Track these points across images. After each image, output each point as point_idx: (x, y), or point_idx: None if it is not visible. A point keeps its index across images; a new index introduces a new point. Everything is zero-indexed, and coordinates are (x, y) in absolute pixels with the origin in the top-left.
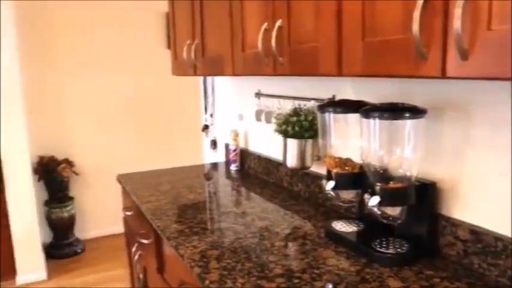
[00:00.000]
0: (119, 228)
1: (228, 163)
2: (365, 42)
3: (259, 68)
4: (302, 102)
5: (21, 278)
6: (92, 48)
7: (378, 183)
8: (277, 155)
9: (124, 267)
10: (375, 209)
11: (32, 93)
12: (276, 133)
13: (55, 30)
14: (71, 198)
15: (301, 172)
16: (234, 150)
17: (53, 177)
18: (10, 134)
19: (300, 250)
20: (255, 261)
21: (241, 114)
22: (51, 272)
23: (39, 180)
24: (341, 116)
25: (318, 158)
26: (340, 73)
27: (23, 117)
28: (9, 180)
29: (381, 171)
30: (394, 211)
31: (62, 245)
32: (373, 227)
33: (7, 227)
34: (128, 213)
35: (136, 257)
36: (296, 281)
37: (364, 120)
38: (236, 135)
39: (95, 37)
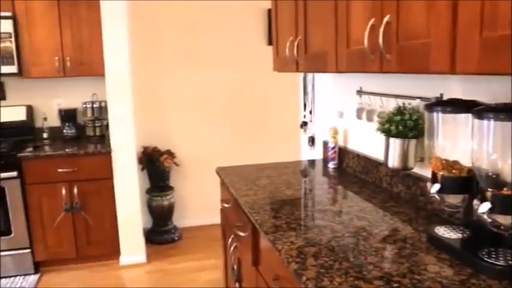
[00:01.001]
0: (215, 219)
1: (325, 161)
2: (483, 38)
3: (364, 64)
4: (406, 101)
5: (123, 259)
6: (195, 44)
7: (489, 189)
8: (378, 155)
9: (217, 257)
10: (485, 217)
11: (138, 88)
12: (378, 132)
13: (161, 27)
14: (171, 188)
15: (403, 173)
16: (333, 148)
17: (156, 167)
18: (119, 126)
19: (400, 254)
20: (352, 262)
21: (341, 112)
22: (150, 256)
23: (142, 170)
24: (450, 116)
25: (422, 159)
26: (453, 71)
27: (131, 110)
28: (117, 169)
29: (494, 176)
30: (506, 220)
31: (161, 232)
32: (481, 235)
33: (114, 211)
34: (226, 205)
35: (231, 248)
36: (395, 285)
37: (477, 121)
38: (335, 132)
39: (198, 34)
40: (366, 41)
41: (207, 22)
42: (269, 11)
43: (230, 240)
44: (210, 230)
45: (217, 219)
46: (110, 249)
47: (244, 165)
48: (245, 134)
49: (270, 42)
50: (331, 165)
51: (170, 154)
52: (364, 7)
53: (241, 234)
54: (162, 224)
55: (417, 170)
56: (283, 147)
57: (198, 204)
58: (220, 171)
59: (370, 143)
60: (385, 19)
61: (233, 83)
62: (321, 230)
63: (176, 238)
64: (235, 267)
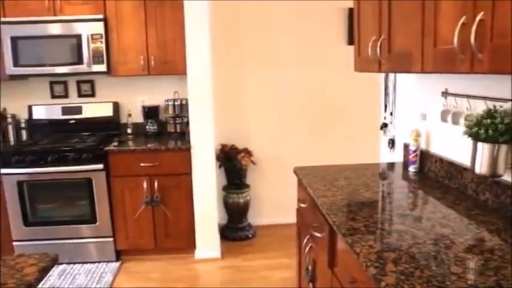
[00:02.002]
0: (290, 218)
1: (406, 164)
2: None
3: (453, 65)
4: (497, 103)
5: (199, 254)
6: (274, 43)
7: None
8: (463, 159)
9: (291, 256)
10: None
11: (218, 86)
12: (465, 136)
13: (241, 27)
14: (247, 186)
15: (491, 180)
16: (414, 151)
17: (233, 164)
18: (199, 124)
19: (486, 265)
20: (434, 270)
21: (424, 114)
22: (224, 252)
23: (220, 167)
24: None
25: None
26: None
27: (211, 108)
28: (195, 165)
29: None
30: None
31: (236, 229)
32: None
33: (191, 206)
34: (302, 205)
35: (307, 248)
36: None
37: None
38: (417, 135)
39: (278, 33)
40: (455, 40)
41: (287, 21)
42: (350, 10)
43: (305, 240)
44: (284, 229)
45: (292, 218)
46: (186, 243)
47: (322, 166)
48: (323, 134)
49: (350, 42)
50: (411, 168)
51: (247, 152)
52: (454, 4)
53: (318, 235)
54: (237, 221)
55: (507, 177)
56: (362, 149)
57: (273, 202)
58: (297, 171)
59: (455, 147)
60: (478, 17)
61: (312, 82)
62: (401, 236)
63: (250, 236)
64: (310, 267)
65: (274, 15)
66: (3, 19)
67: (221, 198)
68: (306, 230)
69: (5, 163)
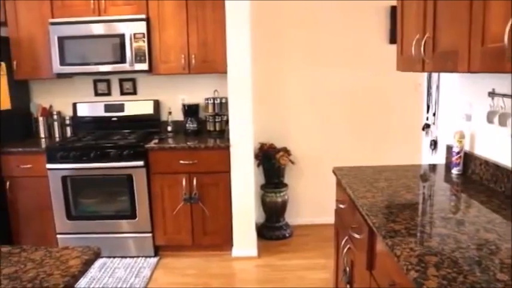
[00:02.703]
0: (328, 218)
1: (448, 166)
2: None
3: (502, 64)
4: None
5: (235, 252)
6: (315, 42)
7: None
8: (510, 162)
9: (327, 257)
10: None
11: (258, 85)
12: None
13: (281, 26)
14: (285, 185)
15: None
16: (458, 153)
17: (271, 163)
18: (238, 122)
19: None
20: (479, 277)
21: (469, 115)
22: (261, 251)
23: (258, 166)
24: None
25: None
26: None
27: (250, 107)
28: (234, 164)
29: None
30: None
31: (273, 228)
32: None
33: (229, 204)
34: (341, 205)
35: (345, 249)
36: None
37: None
38: (461, 136)
39: (318, 32)
40: (506, 38)
41: (329, 20)
42: (392, 8)
43: (343, 241)
44: (322, 229)
45: (329, 219)
46: (224, 241)
47: (362, 166)
48: (363, 135)
49: (392, 41)
50: (454, 171)
51: (286, 151)
52: (506, 1)
53: (356, 236)
54: (274, 220)
55: None
56: (402, 150)
57: (311, 202)
58: (337, 171)
59: (502, 149)
60: None
61: (353, 81)
62: (443, 239)
63: (287, 235)
64: (348, 269)
65: (315, 14)
66: (51, 20)
67: (259, 197)
68: (345, 231)
69: (51, 158)
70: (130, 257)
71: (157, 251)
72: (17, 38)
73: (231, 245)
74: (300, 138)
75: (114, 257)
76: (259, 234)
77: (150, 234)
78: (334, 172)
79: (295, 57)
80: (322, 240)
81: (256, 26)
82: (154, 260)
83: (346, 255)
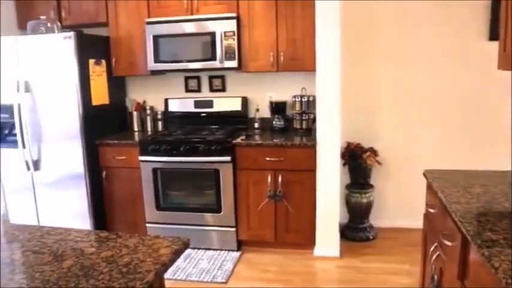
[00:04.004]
0: (414, 223)
1: None
2: None
3: None
4: None
5: (317, 251)
6: (407, 39)
7: None
8: None
9: (412, 263)
10: None
11: (346, 84)
12: None
13: (373, 22)
14: (371, 186)
15: None
16: None
17: (357, 163)
18: (326, 121)
19: None
20: None
21: None
22: (343, 252)
23: (344, 165)
24: None
25: None
26: None
27: (338, 105)
28: (320, 162)
29: None
30: None
31: (356, 229)
32: None
33: (313, 203)
34: (431, 210)
35: (433, 256)
36: None
37: None
38: None
39: (411, 29)
40: None
41: (422, 17)
42: (494, 1)
43: (432, 247)
44: (408, 233)
45: (416, 223)
46: (306, 239)
47: (455, 170)
48: (454, 138)
49: (492, 37)
50: None
51: (373, 152)
52: None
53: (448, 243)
54: (358, 221)
55: None
56: (500, 155)
57: (398, 205)
58: (428, 174)
59: None
60: None
61: (446, 81)
62: None
63: (371, 237)
64: (436, 277)
65: (408, 10)
66: (147, 20)
67: (343, 197)
68: (434, 236)
69: (143, 151)
70: (213, 249)
71: (240, 245)
72: (116, 37)
73: (313, 244)
74: (388, 139)
75: (198, 249)
76: (342, 234)
77: (234, 229)
78: (424, 175)
79: (386, 55)
80: (407, 244)
81: (347, 23)
82: (236, 254)
83: (435, 263)
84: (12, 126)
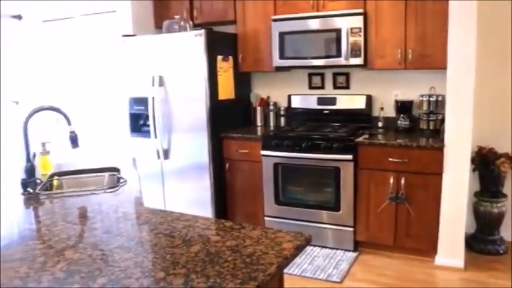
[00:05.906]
0: None
1: None
2: None
3: None
4: None
5: (439, 259)
6: None
7: None
8: None
9: None
10: None
11: (479, 84)
12: None
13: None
14: (504, 195)
15: None
16: None
17: (489, 170)
18: (456, 122)
19: None
20: None
21: None
22: (468, 264)
23: (474, 171)
24: None
25: None
26: None
27: (471, 107)
28: (447, 166)
29: None
30: None
31: (484, 240)
32: None
33: (437, 208)
34: None
35: None
36: None
37: None
38: None
39: None
40: None
41: None
42: None
43: None
44: None
45: None
46: (427, 246)
47: None
48: None
49: None
50: None
51: (508, 158)
52: None
53: None
54: (487, 232)
55: None
56: None
57: None
58: None
59: None
60: None
61: None
62: None
63: (501, 251)
64: None
65: None
66: (274, 17)
67: (471, 205)
68: None
69: (265, 146)
70: (329, 248)
71: (356, 246)
72: (243, 34)
73: (435, 251)
74: None
75: (314, 246)
76: (467, 245)
77: (351, 229)
78: None
79: None
80: None
81: (483, 16)
82: (353, 254)
83: None
84: (146, 117)
